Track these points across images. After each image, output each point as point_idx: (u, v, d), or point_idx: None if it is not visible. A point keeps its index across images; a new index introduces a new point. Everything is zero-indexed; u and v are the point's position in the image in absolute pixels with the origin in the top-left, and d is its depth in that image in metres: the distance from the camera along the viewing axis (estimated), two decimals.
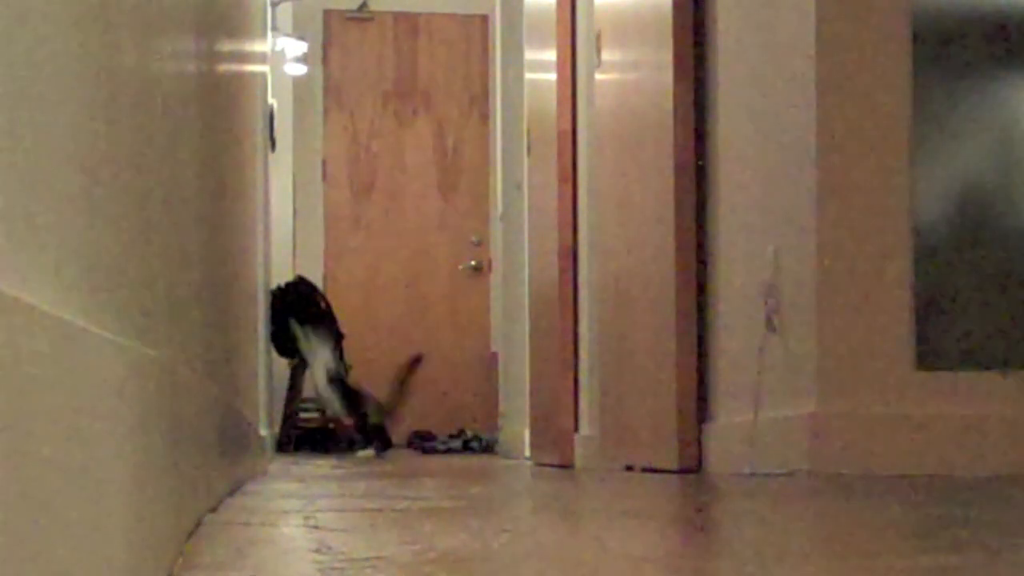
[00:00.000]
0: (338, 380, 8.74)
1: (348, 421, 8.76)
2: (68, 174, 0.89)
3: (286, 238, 9.77)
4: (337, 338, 9.06)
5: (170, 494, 1.45)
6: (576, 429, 6.39)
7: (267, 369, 7.07)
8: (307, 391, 9.31)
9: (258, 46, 5.50)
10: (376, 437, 8.62)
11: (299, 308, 8.91)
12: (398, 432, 10.33)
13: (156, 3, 1.45)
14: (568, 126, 6.46)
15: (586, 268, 6.20)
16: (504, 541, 1.70)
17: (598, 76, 5.75)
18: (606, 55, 5.61)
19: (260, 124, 5.92)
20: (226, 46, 3.04)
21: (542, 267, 6.86)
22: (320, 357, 8.73)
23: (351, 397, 8.69)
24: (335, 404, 8.67)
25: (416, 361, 8.96)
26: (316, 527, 1.97)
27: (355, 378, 9.79)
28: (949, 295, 3.62)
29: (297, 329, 8.75)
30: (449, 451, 9.73)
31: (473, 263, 10.58)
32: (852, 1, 3.66)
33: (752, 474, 3.91)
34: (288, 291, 9.06)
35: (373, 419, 8.62)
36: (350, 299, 10.37)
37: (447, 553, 1.53)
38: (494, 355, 9.93)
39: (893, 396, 3.58)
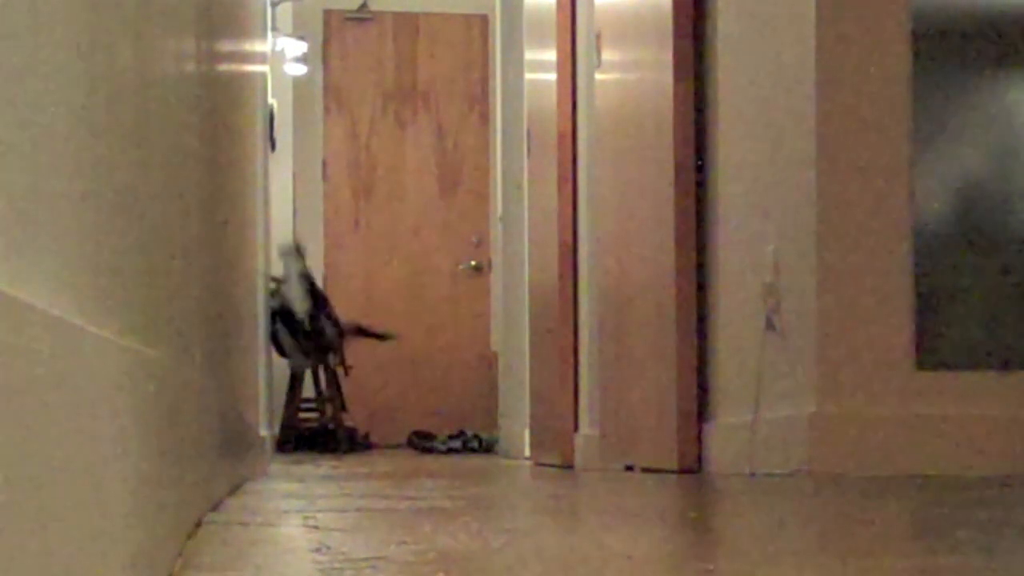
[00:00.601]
0: (308, 278, 8.83)
1: (304, 318, 8.82)
2: (68, 174, 0.89)
3: (286, 238, 9.77)
4: (336, 328, 9.09)
5: (170, 494, 1.45)
6: (576, 429, 6.39)
7: (267, 369, 7.07)
8: (307, 391, 9.31)
9: (258, 46, 5.50)
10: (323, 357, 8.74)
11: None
12: (397, 432, 10.34)
13: (156, 3, 1.45)
14: (568, 126, 6.46)
15: (586, 268, 6.20)
16: (504, 541, 1.70)
17: (598, 76, 5.75)
18: (606, 55, 5.61)
19: (260, 124, 5.92)
20: (226, 46, 3.04)
21: (542, 267, 6.86)
22: (294, 266, 8.84)
23: (318, 298, 8.80)
24: (299, 296, 8.74)
25: (382, 336, 9.11)
26: (316, 527, 1.97)
27: (355, 380, 9.80)
28: (949, 295, 3.62)
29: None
30: (449, 451, 9.73)
31: (473, 263, 10.57)
32: (852, 1, 3.66)
33: (752, 474, 3.91)
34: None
35: (326, 329, 8.74)
36: (350, 299, 10.37)
37: (447, 553, 1.53)
38: (494, 355, 9.94)
39: (893, 396, 3.58)
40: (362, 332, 9.35)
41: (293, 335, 8.87)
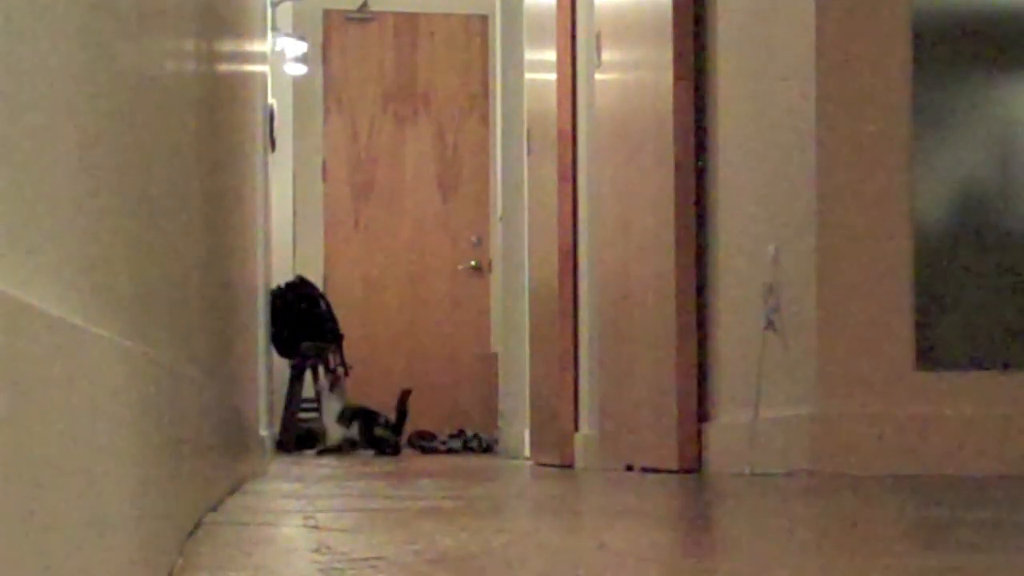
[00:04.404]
0: (348, 416, 8.89)
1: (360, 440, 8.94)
2: (68, 174, 0.89)
3: (286, 238, 9.77)
4: (337, 339, 9.09)
5: (170, 494, 1.45)
6: (576, 429, 6.39)
7: (267, 369, 7.07)
8: (307, 391, 9.31)
9: (258, 46, 5.51)
10: (387, 445, 8.81)
11: (303, 319, 8.98)
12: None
13: (156, 3, 1.45)
14: (568, 126, 6.46)
15: (586, 268, 6.20)
16: (504, 541, 1.70)
17: (598, 76, 5.75)
18: (606, 55, 5.61)
19: (260, 124, 5.92)
20: (226, 46, 3.04)
21: (542, 267, 6.86)
22: (330, 406, 8.88)
23: (362, 419, 8.87)
24: (352, 433, 8.84)
25: (406, 394, 9.18)
26: (316, 527, 1.97)
27: (356, 380, 9.80)
28: (949, 295, 3.62)
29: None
30: (449, 451, 9.74)
31: (473, 263, 10.57)
32: (852, 1, 3.66)
33: (752, 474, 3.92)
34: (288, 291, 9.07)
35: (380, 433, 8.80)
36: (350, 299, 10.37)
37: (447, 553, 1.53)
38: (494, 355, 9.94)
39: (893, 396, 3.58)
40: (404, 397, 9.36)
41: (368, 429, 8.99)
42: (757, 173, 4.12)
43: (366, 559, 1.46)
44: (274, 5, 8.83)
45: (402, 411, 9.11)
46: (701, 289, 4.67)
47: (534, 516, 2.28)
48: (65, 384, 0.79)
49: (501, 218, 9.08)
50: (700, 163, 4.68)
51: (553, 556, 1.53)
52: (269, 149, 7.55)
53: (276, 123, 8.13)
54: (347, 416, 8.90)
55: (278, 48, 9.11)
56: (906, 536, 1.79)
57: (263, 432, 5.54)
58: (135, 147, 1.25)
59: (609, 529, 1.92)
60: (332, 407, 8.91)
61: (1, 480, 0.63)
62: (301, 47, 9.38)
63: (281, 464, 6.31)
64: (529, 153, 7.33)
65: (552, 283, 6.57)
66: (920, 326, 3.61)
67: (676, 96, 4.68)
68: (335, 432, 8.89)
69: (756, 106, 4.14)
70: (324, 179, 10.48)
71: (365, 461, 7.08)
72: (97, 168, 1.01)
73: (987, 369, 3.60)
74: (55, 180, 0.84)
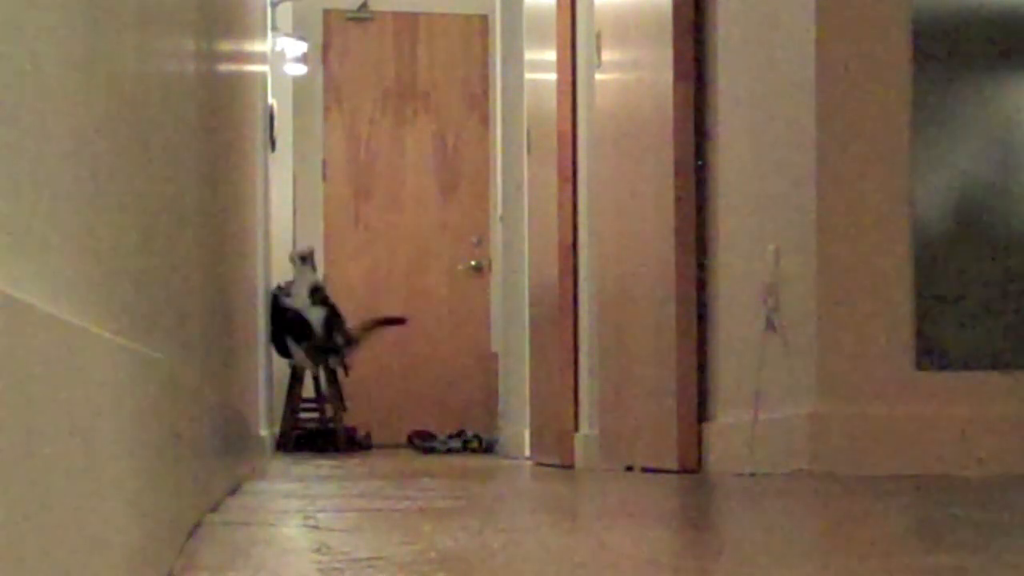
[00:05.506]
0: (321, 295, 8.86)
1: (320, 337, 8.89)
2: (68, 174, 0.89)
3: (286, 238, 9.77)
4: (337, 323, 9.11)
5: (170, 494, 1.45)
6: (576, 429, 6.39)
7: (267, 369, 7.07)
8: (307, 391, 9.31)
9: (258, 46, 5.51)
10: (339, 350, 8.82)
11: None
12: (397, 432, 10.34)
13: (156, 3, 1.45)
14: (568, 126, 6.46)
15: (586, 268, 6.20)
16: (504, 541, 1.70)
17: (598, 76, 5.75)
18: (606, 55, 5.61)
19: (260, 124, 5.93)
20: (226, 46, 3.04)
21: (542, 267, 6.86)
22: (304, 279, 8.84)
23: (332, 313, 8.86)
24: (316, 315, 8.80)
25: (398, 321, 9.16)
26: (316, 527, 1.97)
27: (355, 380, 9.81)
28: (949, 295, 3.62)
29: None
30: (449, 451, 9.73)
31: (473, 263, 10.57)
32: (852, 1, 3.66)
33: (752, 474, 3.92)
34: (288, 291, 9.07)
35: (338, 340, 8.84)
36: (350, 299, 10.37)
37: (447, 553, 1.53)
38: (494, 355, 9.94)
39: (893, 396, 3.58)
40: (379, 324, 9.38)
41: (301, 342, 8.91)
42: (757, 173, 4.12)
43: (366, 559, 1.46)
44: (274, 5, 8.83)
45: (366, 330, 9.19)
46: (701, 289, 4.67)
47: (534, 516, 2.28)
48: (65, 384, 0.79)
49: (501, 218, 9.08)
50: (700, 163, 4.68)
51: (553, 556, 1.53)
52: (269, 149, 7.56)
53: (276, 123, 8.13)
54: (318, 298, 8.89)
55: (278, 48, 9.10)
56: (906, 536, 1.79)
57: (263, 432, 5.54)
58: (135, 148, 1.25)
59: (609, 529, 1.92)
60: (304, 283, 8.89)
61: (1, 480, 0.62)
62: (301, 47, 9.38)
63: (281, 464, 6.31)
64: (529, 153, 7.33)
65: (552, 283, 6.57)
66: (920, 326, 3.61)
67: (676, 96, 4.68)
68: (307, 308, 8.85)
69: (756, 106, 4.14)
70: (324, 179, 10.48)
71: (365, 460, 7.08)
72: (97, 169, 1.01)
73: (987, 369, 3.60)
74: (55, 181, 0.84)
